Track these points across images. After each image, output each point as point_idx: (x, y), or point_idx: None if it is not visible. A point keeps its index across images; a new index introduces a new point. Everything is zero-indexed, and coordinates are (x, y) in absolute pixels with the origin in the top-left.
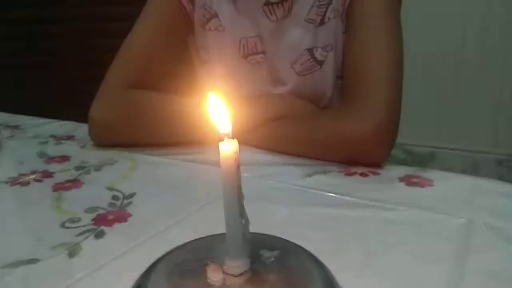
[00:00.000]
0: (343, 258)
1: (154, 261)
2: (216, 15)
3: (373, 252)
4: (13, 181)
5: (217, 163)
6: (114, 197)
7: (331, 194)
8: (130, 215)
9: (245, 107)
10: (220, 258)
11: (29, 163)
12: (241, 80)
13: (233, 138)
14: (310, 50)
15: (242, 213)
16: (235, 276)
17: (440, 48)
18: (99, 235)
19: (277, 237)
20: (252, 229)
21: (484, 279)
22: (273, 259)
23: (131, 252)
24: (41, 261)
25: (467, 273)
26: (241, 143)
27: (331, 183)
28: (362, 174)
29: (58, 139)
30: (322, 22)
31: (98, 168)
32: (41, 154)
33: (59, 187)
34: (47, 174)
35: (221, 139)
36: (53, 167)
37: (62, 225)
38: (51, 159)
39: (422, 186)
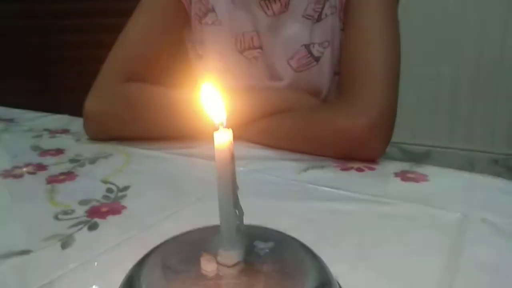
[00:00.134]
0: (338, 251)
1: (148, 252)
2: (213, 9)
3: (368, 245)
4: (7, 174)
5: (211, 157)
6: (108, 190)
7: (326, 189)
8: (124, 207)
9: (243, 99)
10: (214, 249)
11: (23, 156)
12: (237, 75)
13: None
14: (307, 46)
15: (236, 204)
16: (228, 266)
17: (437, 47)
18: (93, 227)
19: (272, 229)
20: (247, 222)
21: (478, 273)
22: (267, 251)
23: (125, 244)
24: (33, 252)
25: (462, 267)
26: (236, 138)
27: (327, 178)
28: (358, 169)
29: (53, 132)
30: (319, 19)
31: (92, 161)
32: (35, 147)
33: (52, 180)
34: (41, 167)
35: (216, 129)
36: (47, 160)
37: (55, 217)
38: (45, 152)
39: (417, 181)
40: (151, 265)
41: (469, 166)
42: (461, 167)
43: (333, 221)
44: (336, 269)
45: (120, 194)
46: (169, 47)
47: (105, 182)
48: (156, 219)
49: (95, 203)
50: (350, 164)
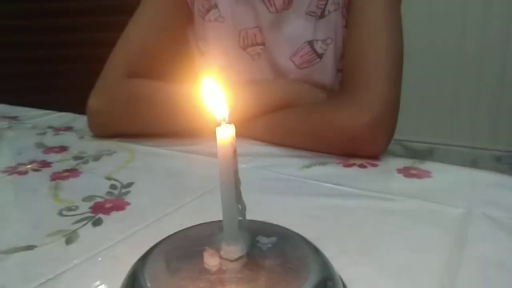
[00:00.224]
0: (340, 246)
1: (151, 246)
2: (215, 6)
3: (370, 240)
4: (11, 171)
5: (214, 154)
6: (112, 186)
7: (329, 185)
8: (128, 203)
9: (245, 93)
10: (217, 243)
11: (27, 153)
12: (240, 72)
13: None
14: (311, 43)
15: (238, 198)
16: (231, 261)
17: (439, 44)
18: (97, 223)
19: (275, 224)
20: (250, 218)
21: (481, 269)
22: (270, 245)
23: (129, 239)
24: (37, 247)
25: (465, 263)
26: (239, 135)
27: (329, 174)
28: (360, 166)
29: (57, 130)
30: (322, 15)
31: (96, 158)
32: (39, 145)
33: (57, 177)
34: (45, 164)
35: (218, 124)
36: (51, 157)
37: (60, 213)
38: (49, 149)
39: (420, 177)
40: (154, 260)
41: (472, 163)
42: (464, 165)
43: (335, 217)
44: (338, 264)
45: (124, 190)
46: (172, 43)
47: (109, 178)
48: (160, 215)
49: (99, 200)
50: (353, 161)
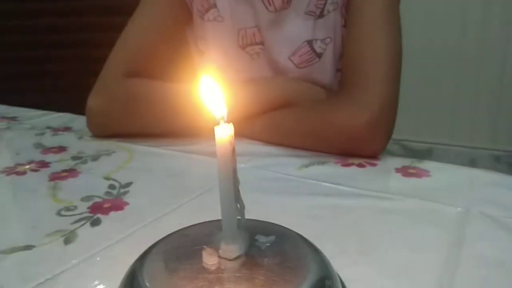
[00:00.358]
0: (339, 245)
1: (150, 246)
2: (214, 5)
3: (369, 240)
4: (10, 171)
5: (212, 154)
6: (111, 186)
7: (328, 184)
8: (126, 203)
9: (243, 92)
10: (216, 243)
11: (26, 153)
12: (239, 71)
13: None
14: (310, 42)
15: (237, 197)
16: (230, 260)
17: (439, 44)
18: (95, 222)
19: (273, 224)
20: (248, 217)
21: (479, 267)
22: (268, 244)
23: (127, 239)
24: (36, 247)
25: (463, 262)
26: (238, 134)
27: (328, 173)
28: (359, 165)
29: (55, 130)
30: (321, 15)
31: (95, 158)
32: (38, 145)
33: (55, 177)
34: (44, 164)
35: (217, 123)
36: (50, 157)
37: (58, 213)
38: (47, 150)
39: (419, 176)
40: (153, 259)
41: (471, 163)
42: (463, 165)
43: (334, 217)
44: (337, 263)
45: (122, 190)
46: (171, 43)
47: (107, 178)
48: (158, 215)
49: (97, 200)
50: (351, 160)
